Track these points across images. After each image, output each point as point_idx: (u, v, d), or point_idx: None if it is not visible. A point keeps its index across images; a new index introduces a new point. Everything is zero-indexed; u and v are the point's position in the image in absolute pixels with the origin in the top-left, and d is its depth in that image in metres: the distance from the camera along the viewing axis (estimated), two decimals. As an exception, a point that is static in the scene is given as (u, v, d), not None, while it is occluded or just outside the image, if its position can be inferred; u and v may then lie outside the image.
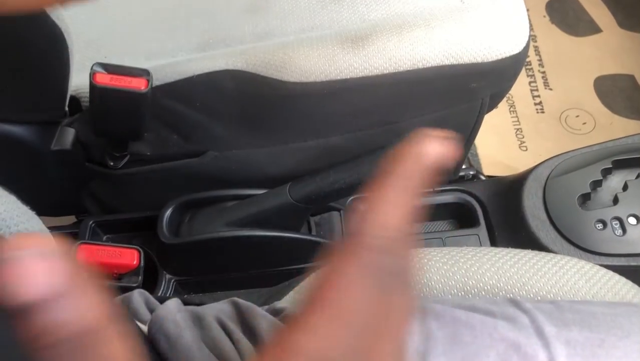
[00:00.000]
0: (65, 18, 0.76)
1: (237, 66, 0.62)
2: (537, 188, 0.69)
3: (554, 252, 0.65)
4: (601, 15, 1.25)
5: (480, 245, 0.71)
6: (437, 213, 0.76)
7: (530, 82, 1.16)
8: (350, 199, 0.76)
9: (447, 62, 0.62)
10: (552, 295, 0.44)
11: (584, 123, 1.09)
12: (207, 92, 0.64)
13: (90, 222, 0.75)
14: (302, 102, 0.63)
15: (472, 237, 0.72)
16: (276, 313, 0.37)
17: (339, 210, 0.74)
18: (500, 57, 0.63)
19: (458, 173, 0.77)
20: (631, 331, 0.33)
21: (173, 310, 0.34)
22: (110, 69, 0.58)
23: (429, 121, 0.68)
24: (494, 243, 0.71)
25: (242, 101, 0.64)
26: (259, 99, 0.63)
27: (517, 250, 0.49)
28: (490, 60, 0.63)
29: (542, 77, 1.16)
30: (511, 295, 0.44)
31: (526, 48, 0.66)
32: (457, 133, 0.72)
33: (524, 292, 0.45)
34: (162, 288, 0.69)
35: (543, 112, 1.11)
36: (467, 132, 0.72)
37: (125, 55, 0.71)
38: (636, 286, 0.48)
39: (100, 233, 0.77)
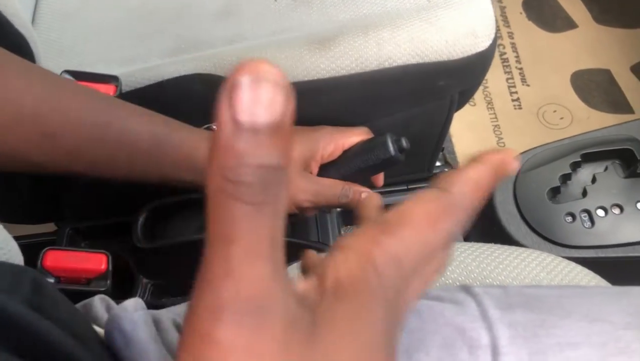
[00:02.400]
0: (38, 26, 0.76)
1: (206, 70, 0.63)
2: (507, 183, 0.69)
3: (524, 246, 0.66)
4: (577, 10, 1.26)
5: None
6: (412, 210, 0.77)
7: (507, 79, 1.17)
8: (326, 199, 0.77)
9: (413, 60, 0.62)
10: (512, 287, 0.45)
11: (561, 118, 1.10)
12: (177, 96, 0.64)
13: (68, 229, 0.76)
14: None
15: (446, 233, 0.72)
16: None
17: (314, 210, 0.75)
18: (466, 54, 0.64)
19: (432, 171, 0.78)
20: (572, 311, 0.34)
21: (130, 308, 0.34)
22: (78, 76, 0.58)
23: (400, 119, 0.69)
24: (466, 238, 0.72)
25: (212, 104, 0.64)
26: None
27: (480, 244, 0.49)
28: (456, 57, 0.64)
29: (520, 73, 1.17)
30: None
31: (493, 45, 0.67)
32: (428, 131, 0.72)
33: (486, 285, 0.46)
34: (138, 293, 0.69)
35: (521, 108, 1.13)
36: (438, 130, 0.73)
37: (98, 62, 0.71)
38: (597, 277, 0.49)
39: (78, 239, 0.77)
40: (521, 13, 1.27)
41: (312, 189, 0.56)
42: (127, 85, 0.64)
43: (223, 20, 0.72)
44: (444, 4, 0.65)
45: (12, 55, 0.43)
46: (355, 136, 0.60)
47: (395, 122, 0.68)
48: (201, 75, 0.63)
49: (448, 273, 0.46)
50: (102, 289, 0.48)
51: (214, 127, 0.49)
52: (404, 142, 0.62)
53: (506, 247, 0.49)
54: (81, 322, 0.32)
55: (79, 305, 0.39)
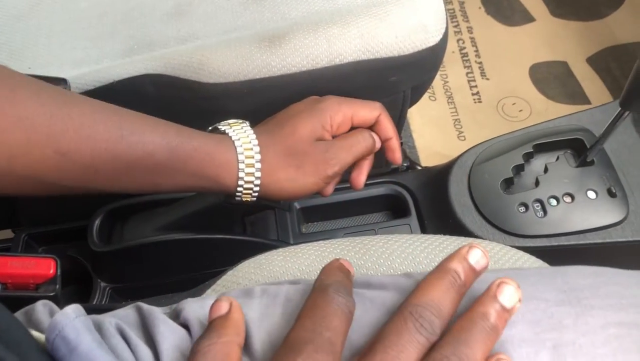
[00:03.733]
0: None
1: (156, 70, 0.63)
2: (462, 175, 0.70)
3: (479, 237, 0.67)
4: (534, 4, 1.28)
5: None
6: (370, 205, 0.77)
7: (467, 73, 1.18)
8: (285, 196, 0.76)
9: (363, 57, 0.63)
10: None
11: (521, 110, 1.12)
12: (128, 97, 0.63)
13: (23, 235, 0.74)
14: (224, 103, 0.64)
15: (404, 227, 0.73)
16: (176, 315, 0.37)
17: (273, 209, 0.75)
18: (417, 49, 0.64)
19: (390, 166, 0.79)
20: (529, 294, 0.34)
21: (71, 315, 0.34)
22: (24, 79, 0.57)
23: (354, 115, 0.69)
24: (424, 231, 0.72)
25: (165, 105, 0.64)
26: (181, 102, 0.64)
27: (430, 236, 0.50)
28: (407, 53, 0.64)
29: (479, 67, 1.19)
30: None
31: (444, 39, 0.68)
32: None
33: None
34: (97, 297, 0.69)
35: (480, 101, 1.14)
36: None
37: (49, 64, 0.70)
38: (545, 264, 0.50)
39: (34, 245, 0.76)
40: (480, 8, 1.28)
41: (333, 153, 0.55)
42: (78, 87, 0.63)
43: (175, 20, 0.71)
44: (393, 0, 0.66)
45: (23, 76, 0.42)
46: (365, 109, 0.59)
47: (350, 118, 0.69)
48: (151, 75, 0.62)
49: (396, 265, 0.46)
50: (51, 294, 0.47)
51: (220, 126, 0.53)
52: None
53: (455, 238, 0.50)
54: (17, 331, 0.32)
55: (21, 311, 0.39)
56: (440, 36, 0.67)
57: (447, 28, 0.69)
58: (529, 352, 0.31)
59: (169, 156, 0.47)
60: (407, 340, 0.30)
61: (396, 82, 0.67)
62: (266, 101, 0.64)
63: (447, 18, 0.68)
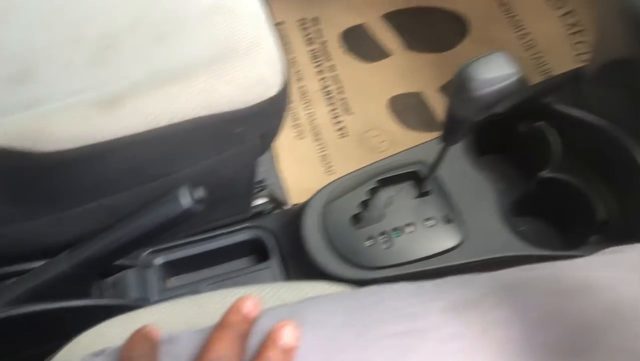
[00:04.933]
0: None
1: (-7, 141, 0.61)
2: (314, 215, 0.74)
3: (331, 274, 0.70)
4: (389, 40, 1.37)
5: (274, 278, 0.75)
6: (234, 252, 0.79)
7: (332, 110, 1.24)
8: (146, 252, 0.77)
9: (205, 112, 0.65)
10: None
11: (383, 141, 1.19)
12: (-37, 172, 0.62)
13: None
14: (66, 170, 0.63)
15: (266, 271, 0.75)
16: None
17: (133, 267, 0.74)
18: (257, 101, 0.67)
19: (250, 211, 0.81)
20: (304, 322, 0.37)
21: None
22: None
23: (205, 167, 0.71)
24: (287, 273, 0.75)
25: (4, 178, 0.63)
26: (21, 173, 0.63)
27: (267, 285, 0.52)
28: (248, 105, 0.67)
29: (343, 103, 1.25)
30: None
31: (283, 90, 0.71)
32: (237, 175, 0.75)
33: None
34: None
35: (346, 136, 1.20)
36: (247, 173, 0.76)
37: None
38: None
39: None
40: (340, 46, 1.35)
41: None
42: None
43: (17, 85, 0.70)
44: (233, 55, 0.68)
45: None
46: None
47: (200, 171, 0.70)
48: (-13, 148, 0.61)
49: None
50: None
51: None
52: (200, 192, 0.64)
53: (289, 284, 0.52)
54: None
55: None
56: (279, 87, 0.70)
57: (286, 79, 0.72)
58: None
59: None
60: None
61: (242, 133, 0.70)
62: (110, 166, 0.65)
63: (285, 69, 0.72)
